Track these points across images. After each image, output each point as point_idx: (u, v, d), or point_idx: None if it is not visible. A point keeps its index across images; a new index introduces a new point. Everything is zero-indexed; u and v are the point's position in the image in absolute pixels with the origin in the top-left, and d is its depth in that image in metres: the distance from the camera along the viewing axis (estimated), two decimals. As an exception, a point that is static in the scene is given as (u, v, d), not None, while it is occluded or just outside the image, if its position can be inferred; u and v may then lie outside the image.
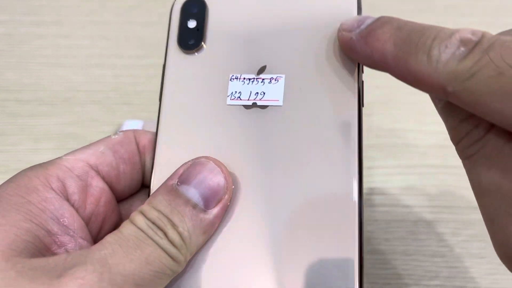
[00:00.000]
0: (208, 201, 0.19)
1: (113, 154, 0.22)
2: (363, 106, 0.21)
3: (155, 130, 0.22)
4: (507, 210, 0.15)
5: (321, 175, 0.20)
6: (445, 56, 0.16)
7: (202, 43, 0.23)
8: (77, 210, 0.20)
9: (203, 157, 0.20)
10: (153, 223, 0.18)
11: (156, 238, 0.18)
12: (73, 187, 0.20)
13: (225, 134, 0.22)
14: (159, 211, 0.19)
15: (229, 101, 0.22)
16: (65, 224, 0.19)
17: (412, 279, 0.33)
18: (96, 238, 0.21)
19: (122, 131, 0.23)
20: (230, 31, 0.23)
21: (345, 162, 0.20)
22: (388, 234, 0.35)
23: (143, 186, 0.23)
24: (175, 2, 0.24)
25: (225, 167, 0.20)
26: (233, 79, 0.22)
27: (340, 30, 0.20)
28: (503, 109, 0.15)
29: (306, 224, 0.20)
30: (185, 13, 0.23)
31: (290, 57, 0.22)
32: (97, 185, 0.21)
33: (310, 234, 0.20)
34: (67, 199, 0.20)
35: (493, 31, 0.47)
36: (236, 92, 0.22)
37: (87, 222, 0.20)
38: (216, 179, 0.20)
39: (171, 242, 0.18)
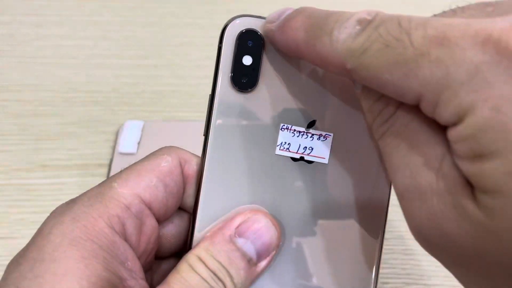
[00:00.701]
0: (261, 256, 0.21)
1: (164, 188, 0.21)
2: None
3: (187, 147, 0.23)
4: (413, 183, 0.16)
5: (350, 235, 0.22)
6: (343, 36, 0.17)
7: (257, 84, 0.22)
8: (134, 250, 0.20)
9: (260, 211, 0.21)
10: (215, 274, 0.19)
11: None
12: (131, 228, 0.20)
13: (272, 184, 0.22)
14: (219, 262, 0.20)
15: (278, 151, 0.22)
16: (129, 268, 0.19)
17: (411, 278, 0.33)
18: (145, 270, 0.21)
19: (168, 154, 0.22)
20: (284, 73, 0.22)
21: (372, 232, 0.22)
22: (387, 234, 0.35)
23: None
24: (229, 27, 0.21)
25: (278, 225, 0.21)
26: (284, 129, 0.22)
27: (265, 22, 0.21)
28: (393, 79, 0.15)
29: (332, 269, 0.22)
30: (242, 46, 0.21)
31: (339, 115, 0.22)
32: (150, 224, 0.21)
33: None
34: (126, 240, 0.20)
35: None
36: (285, 143, 0.22)
37: (140, 259, 0.20)
38: (270, 236, 0.21)
39: None
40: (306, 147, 0.22)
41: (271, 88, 0.22)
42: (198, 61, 0.44)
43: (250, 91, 0.22)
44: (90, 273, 0.17)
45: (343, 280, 0.22)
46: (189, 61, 0.44)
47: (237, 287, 0.20)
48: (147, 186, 0.20)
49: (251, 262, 0.20)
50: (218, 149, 0.22)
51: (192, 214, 0.22)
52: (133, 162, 0.22)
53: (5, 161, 0.38)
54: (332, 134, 0.22)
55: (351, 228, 0.22)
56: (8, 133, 0.39)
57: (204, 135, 0.22)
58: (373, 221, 0.22)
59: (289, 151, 0.22)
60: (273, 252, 0.21)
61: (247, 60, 0.21)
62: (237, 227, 0.21)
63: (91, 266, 0.17)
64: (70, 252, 0.17)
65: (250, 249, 0.20)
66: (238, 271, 0.20)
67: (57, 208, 0.20)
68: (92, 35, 0.44)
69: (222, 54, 0.21)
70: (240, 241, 0.20)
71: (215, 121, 0.22)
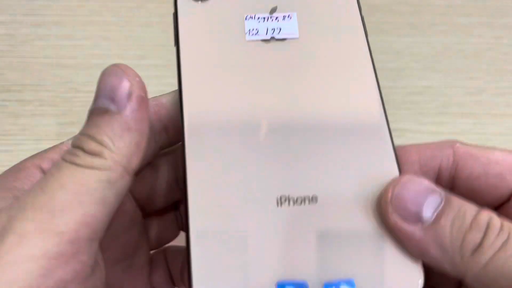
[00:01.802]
0: (118, 102, 0.19)
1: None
2: (367, 36, 0.24)
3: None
4: None
5: (344, 100, 0.22)
6: None
7: None
8: None
9: (111, 65, 0.20)
10: (72, 146, 0.18)
11: (74, 158, 0.18)
12: None
13: (249, 67, 0.23)
14: (78, 134, 0.19)
15: (248, 37, 0.23)
16: None
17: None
18: None
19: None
20: None
21: (365, 84, 0.23)
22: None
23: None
24: None
25: (131, 68, 0.20)
26: (248, 18, 0.24)
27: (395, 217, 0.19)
28: None
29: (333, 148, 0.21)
30: None
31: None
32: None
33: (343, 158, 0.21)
34: None
35: (492, 31, 0.48)
36: (253, 29, 0.24)
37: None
38: (117, 79, 0.19)
39: (90, 153, 0.18)
40: (274, 28, 0.24)
41: None
42: (198, 61, 0.44)
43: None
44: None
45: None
46: (189, 61, 0.44)
47: (105, 142, 0.18)
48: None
49: (109, 113, 0.19)
50: (189, 54, 0.23)
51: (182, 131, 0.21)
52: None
53: (5, 161, 0.38)
54: (295, 13, 0.24)
55: (339, 91, 0.23)
56: (8, 133, 0.39)
57: (175, 45, 0.23)
58: (360, 81, 0.23)
59: (259, 35, 0.23)
60: (135, 91, 0.19)
61: None
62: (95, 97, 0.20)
63: None
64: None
65: (102, 102, 0.19)
66: (98, 129, 0.18)
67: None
68: (92, 35, 0.44)
69: None
70: (94, 105, 0.19)
71: (181, 31, 0.23)
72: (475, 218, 0.18)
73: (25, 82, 0.41)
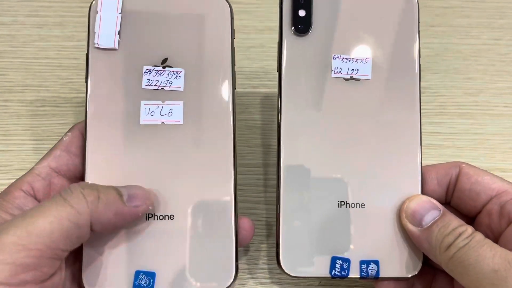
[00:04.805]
0: (131, 198, 0.27)
1: (68, 154, 0.30)
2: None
3: None
4: None
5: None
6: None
7: (310, 28, 0.31)
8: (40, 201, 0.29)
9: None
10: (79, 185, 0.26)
11: (66, 194, 0.25)
12: (38, 187, 0.29)
13: (332, 98, 0.31)
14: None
15: (333, 74, 0.31)
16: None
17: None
18: None
19: (69, 131, 0.31)
20: (331, 18, 0.31)
21: (411, 131, 0.31)
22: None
23: None
24: None
25: (152, 194, 0.29)
26: (335, 58, 0.31)
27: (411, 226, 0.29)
28: None
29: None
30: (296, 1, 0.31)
31: (375, 43, 0.31)
32: (58, 182, 0.30)
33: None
34: (34, 196, 0.29)
35: (490, 32, 0.48)
36: (338, 68, 0.31)
37: None
38: (143, 194, 0.28)
39: (82, 195, 0.25)
40: (353, 69, 0.31)
41: (322, 32, 0.31)
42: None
43: (306, 35, 0.31)
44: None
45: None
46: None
47: (93, 196, 0.26)
48: (53, 158, 0.30)
49: (120, 197, 0.27)
50: (290, 81, 0.31)
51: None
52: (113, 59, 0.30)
53: (8, 162, 0.38)
54: (371, 58, 0.31)
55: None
56: (10, 134, 0.39)
57: (278, 71, 0.31)
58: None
59: (341, 73, 0.31)
60: (142, 205, 0.27)
61: (301, 12, 0.31)
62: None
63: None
64: None
65: (123, 191, 0.27)
66: (105, 194, 0.26)
67: None
68: (93, 36, 0.44)
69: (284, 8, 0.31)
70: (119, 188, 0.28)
71: (284, 58, 0.31)
72: (455, 228, 0.27)
73: (26, 82, 0.41)
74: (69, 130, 0.31)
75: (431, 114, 0.41)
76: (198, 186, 0.29)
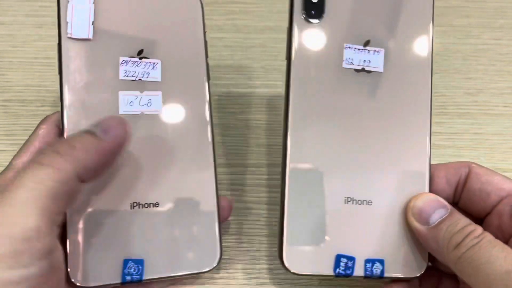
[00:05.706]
0: (105, 131, 0.26)
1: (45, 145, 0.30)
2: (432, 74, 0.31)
3: None
4: None
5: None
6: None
7: (323, 14, 0.30)
8: None
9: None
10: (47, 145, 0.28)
11: (40, 157, 0.24)
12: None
13: (342, 91, 0.30)
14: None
15: (344, 65, 0.30)
16: None
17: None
18: None
19: (42, 123, 0.30)
20: (345, 5, 0.30)
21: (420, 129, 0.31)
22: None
23: None
24: None
25: (126, 121, 0.27)
26: (347, 47, 0.30)
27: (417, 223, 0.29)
28: None
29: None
30: None
31: (389, 34, 0.30)
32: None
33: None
34: None
35: (491, 32, 0.48)
36: (350, 58, 0.30)
37: None
38: (115, 121, 0.27)
39: (56, 152, 0.24)
40: (365, 60, 0.30)
41: (335, 19, 0.30)
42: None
43: (317, 22, 0.30)
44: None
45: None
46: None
47: (71, 145, 0.25)
48: (33, 150, 0.29)
49: (94, 135, 0.26)
50: (299, 69, 0.30)
51: None
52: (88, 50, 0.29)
53: (7, 162, 0.38)
54: (383, 49, 0.30)
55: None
56: (10, 134, 0.39)
57: (286, 59, 0.30)
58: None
59: (353, 64, 0.30)
60: (119, 133, 0.26)
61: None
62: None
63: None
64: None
65: (96, 129, 0.26)
66: (79, 138, 0.26)
67: None
68: (93, 36, 0.44)
69: None
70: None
71: (294, 43, 0.30)
72: (464, 227, 0.26)
73: (26, 82, 0.41)
74: (42, 123, 0.30)
75: (432, 114, 0.41)
76: (180, 173, 0.30)
